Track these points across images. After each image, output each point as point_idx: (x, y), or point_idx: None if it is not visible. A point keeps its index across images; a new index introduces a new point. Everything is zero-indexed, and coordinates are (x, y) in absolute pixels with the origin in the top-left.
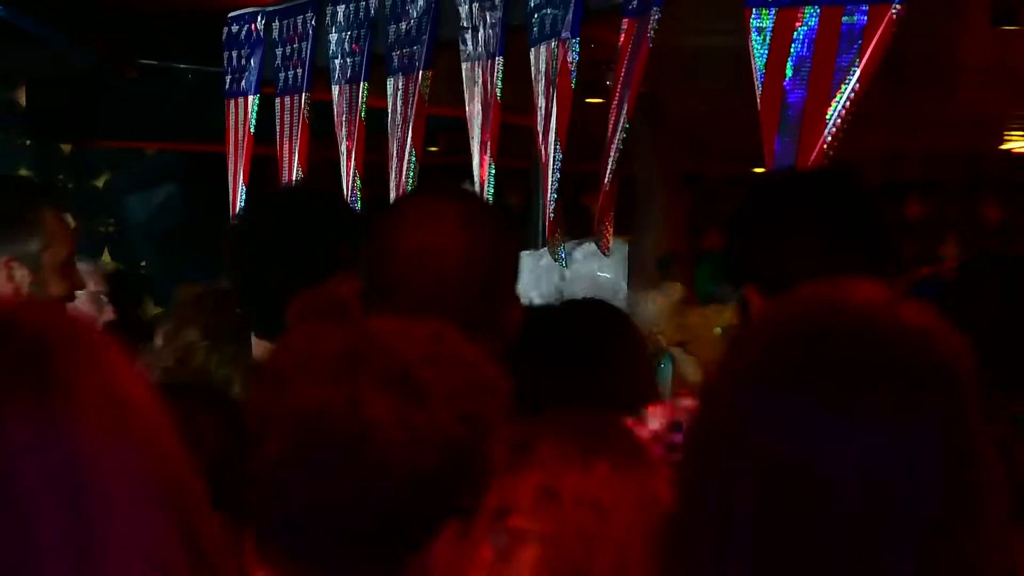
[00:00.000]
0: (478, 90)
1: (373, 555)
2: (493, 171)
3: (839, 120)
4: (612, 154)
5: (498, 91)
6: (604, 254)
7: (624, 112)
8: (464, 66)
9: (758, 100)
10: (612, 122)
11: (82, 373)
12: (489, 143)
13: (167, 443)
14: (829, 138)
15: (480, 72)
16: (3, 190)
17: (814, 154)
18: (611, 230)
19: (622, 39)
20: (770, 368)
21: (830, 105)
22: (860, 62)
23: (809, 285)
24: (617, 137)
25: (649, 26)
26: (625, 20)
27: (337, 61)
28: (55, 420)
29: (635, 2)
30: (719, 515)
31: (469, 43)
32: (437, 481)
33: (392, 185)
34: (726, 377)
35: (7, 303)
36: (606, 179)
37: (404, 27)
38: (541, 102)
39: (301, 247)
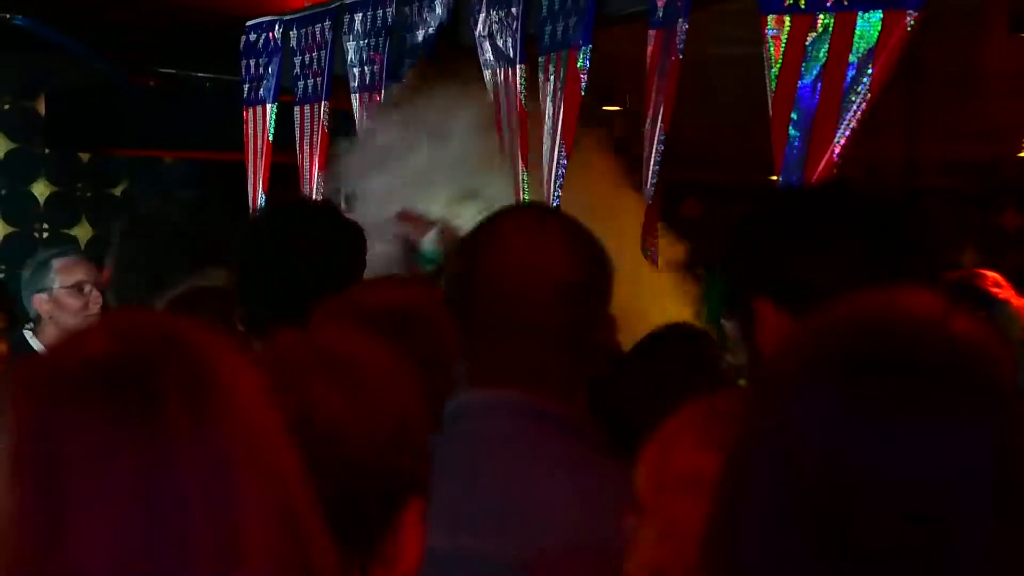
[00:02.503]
0: (502, 98)
1: (338, 540)
2: (526, 178)
3: (851, 127)
4: (652, 167)
5: (523, 98)
6: (655, 265)
7: (660, 125)
8: (485, 73)
9: (770, 107)
10: (648, 135)
11: (235, 377)
12: (520, 150)
13: (285, 444)
14: (840, 146)
15: (501, 80)
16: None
17: (824, 162)
18: (657, 242)
19: (650, 50)
20: (819, 376)
21: (842, 112)
22: (873, 69)
23: (857, 293)
24: (655, 150)
25: (678, 37)
26: (651, 31)
27: (356, 70)
28: (211, 420)
29: (661, 12)
30: (764, 520)
31: (488, 51)
32: (389, 454)
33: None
34: (774, 383)
35: (168, 317)
36: (648, 192)
37: (421, 35)
38: (549, 108)
39: (313, 255)
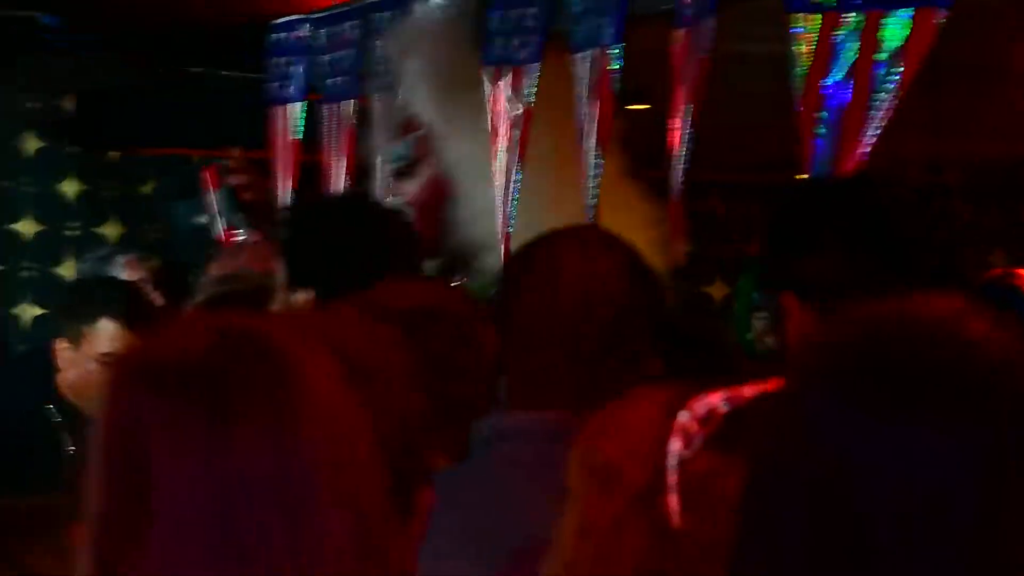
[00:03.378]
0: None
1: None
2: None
3: (878, 125)
4: (678, 165)
5: (531, 99)
6: (682, 264)
7: (688, 123)
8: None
9: (797, 104)
10: (676, 134)
11: (320, 383)
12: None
13: (367, 451)
14: (867, 143)
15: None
16: None
17: (852, 159)
18: (683, 241)
19: (676, 49)
20: (838, 380)
21: (869, 110)
22: (901, 67)
23: (875, 295)
24: (682, 148)
25: (704, 35)
26: (678, 30)
27: (381, 67)
28: (293, 427)
29: (688, 11)
30: (774, 527)
31: (498, 47)
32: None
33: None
34: (792, 387)
35: (249, 320)
36: (674, 190)
37: None
38: (582, 109)
39: (355, 246)
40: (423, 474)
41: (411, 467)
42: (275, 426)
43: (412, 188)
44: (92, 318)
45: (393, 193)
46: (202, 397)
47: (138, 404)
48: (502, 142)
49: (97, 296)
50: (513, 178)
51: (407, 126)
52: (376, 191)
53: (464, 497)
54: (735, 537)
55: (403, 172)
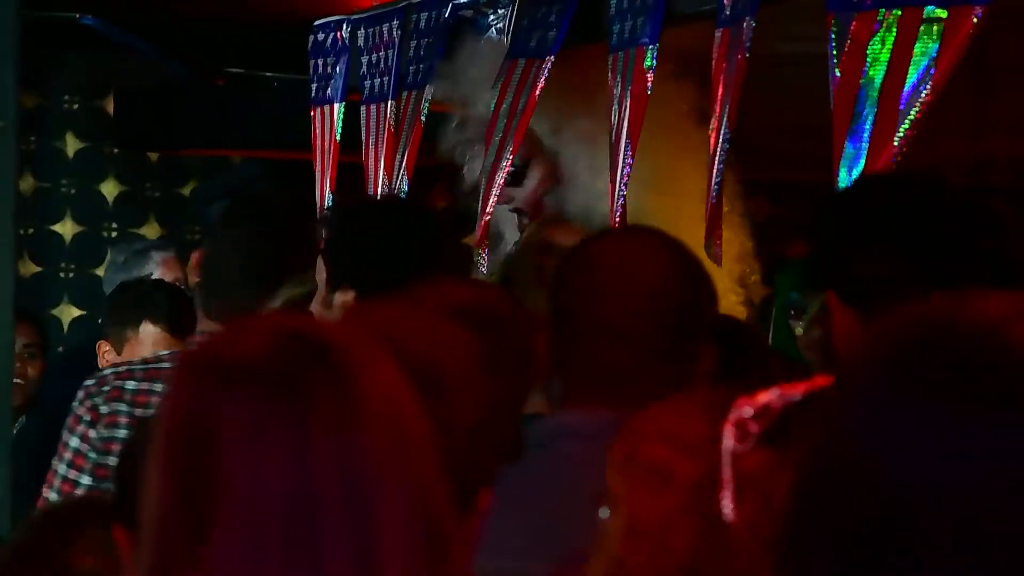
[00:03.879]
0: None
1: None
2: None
3: (912, 124)
4: (716, 166)
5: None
6: (718, 265)
7: (725, 123)
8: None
9: (832, 103)
10: (714, 134)
11: (383, 388)
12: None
13: (429, 456)
14: (899, 143)
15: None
16: None
17: (883, 161)
18: (721, 241)
19: (716, 49)
20: (897, 380)
21: (903, 111)
22: (936, 68)
23: (920, 297)
24: (720, 149)
25: (744, 35)
26: (719, 30)
27: (412, 67)
28: (355, 429)
29: (728, 11)
30: (833, 531)
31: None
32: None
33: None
34: (843, 391)
35: (325, 324)
36: (712, 192)
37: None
38: (615, 107)
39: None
40: (483, 474)
41: (472, 467)
42: (345, 430)
43: (521, 193)
44: (136, 321)
45: (503, 200)
46: (281, 398)
47: (211, 402)
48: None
49: (141, 298)
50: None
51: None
52: (471, 194)
53: (524, 496)
54: (784, 534)
55: (513, 179)
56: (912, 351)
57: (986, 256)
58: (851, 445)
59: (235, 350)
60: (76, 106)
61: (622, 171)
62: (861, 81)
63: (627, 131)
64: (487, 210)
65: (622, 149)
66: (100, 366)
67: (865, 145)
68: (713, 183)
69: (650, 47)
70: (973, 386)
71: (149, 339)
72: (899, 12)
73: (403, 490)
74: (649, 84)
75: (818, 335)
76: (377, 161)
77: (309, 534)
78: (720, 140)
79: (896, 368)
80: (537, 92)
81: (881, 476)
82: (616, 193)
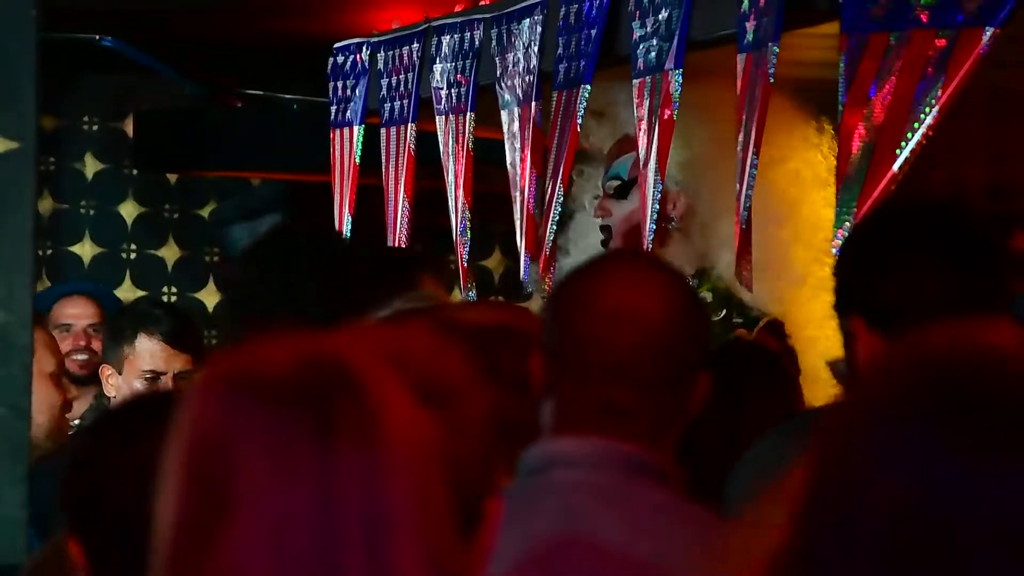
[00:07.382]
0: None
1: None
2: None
3: (915, 147)
4: (744, 191)
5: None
6: (749, 291)
7: (752, 150)
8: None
9: (839, 123)
10: (741, 161)
11: (401, 413)
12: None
13: (439, 482)
14: (899, 168)
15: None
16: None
17: (884, 181)
18: (751, 266)
19: (740, 76)
20: (905, 411)
21: (907, 131)
22: (942, 89)
23: (940, 324)
24: (747, 174)
25: (768, 61)
26: (741, 56)
27: (443, 92)
28: (376, 453)
29: (750, 36)
30: (840, 557)
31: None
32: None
33: (517, 216)
34: (855, 417)
35: (348, 346)
36: (740, 219)
37: (511, 59)
38: (642, 135)
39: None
40: (492, 490)
41: (481, 485)
42: (364, 449)
43: (624, 209)
44: (132, 336)
45: (600, 213)
46: (305, 412)
47: (232, 414)
48: (647, 155)
49: (136, 314)
50: (749, 173)
51: (622, 146)
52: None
53: (530, 520)
54: (789, 559)
55: (617, 192)
56: (941, 383)
57: (1009, 282)
58: (875, 477)
59: (258, 368)
60: (95, 127)
61: (653, 197)
62: (867, 100)
63: (656, 157)
64: (547, 238)
65: (651, 174)
66: (105, 392)
67: (867, 165)
68: (742, 208)
69: (675, 72)
70: (1008, 421)
71: (147, 352)
72: (908, 32)
73: (415, 513)
74: (676, 108)
75: (842, 361)
76: (397, 184)
77: (330, 553)
78: (748, 166)
79: (922, 401)
80: (578, 121)
81: (880, 501)
82: (648, 220)
